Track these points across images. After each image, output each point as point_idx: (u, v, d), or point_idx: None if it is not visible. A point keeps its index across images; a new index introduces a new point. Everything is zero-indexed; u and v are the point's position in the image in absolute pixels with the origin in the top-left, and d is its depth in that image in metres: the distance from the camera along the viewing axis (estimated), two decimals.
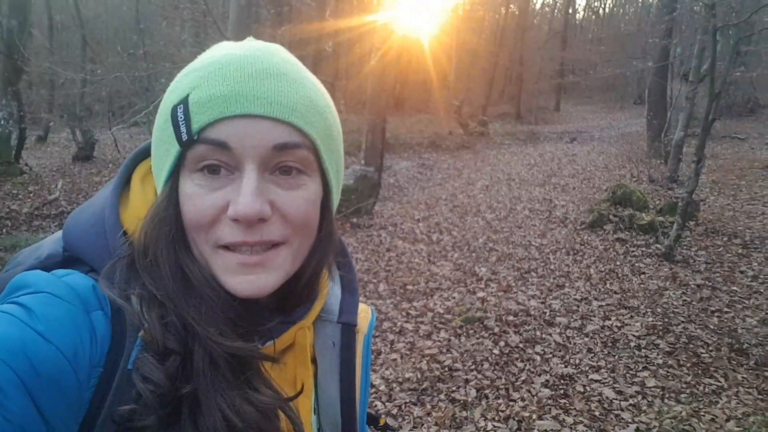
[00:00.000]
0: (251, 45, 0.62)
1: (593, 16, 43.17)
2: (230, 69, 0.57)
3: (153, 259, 0.59)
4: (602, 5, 43.19)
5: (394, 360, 4.23)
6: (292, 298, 0.67)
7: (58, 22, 16.23)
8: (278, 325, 0.65)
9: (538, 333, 4.60)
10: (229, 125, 0.56)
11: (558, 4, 38.95)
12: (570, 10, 35.95)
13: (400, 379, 3.91)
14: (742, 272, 5.91)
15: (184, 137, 0.56)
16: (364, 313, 0.83)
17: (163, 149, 0.60)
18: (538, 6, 40.33)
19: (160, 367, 0.55)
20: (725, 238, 7.02)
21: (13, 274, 0.60)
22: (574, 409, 3.51)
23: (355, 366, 0.76)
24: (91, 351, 0.53)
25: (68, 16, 16.79)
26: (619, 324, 4.73)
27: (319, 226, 0.65)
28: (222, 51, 0.61)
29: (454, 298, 5.44)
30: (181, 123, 0.57)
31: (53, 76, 12.07)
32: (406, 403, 3.65)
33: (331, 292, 0.76)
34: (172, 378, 0.55)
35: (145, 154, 0.68)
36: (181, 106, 0.57)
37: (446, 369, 4.06)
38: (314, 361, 0.74)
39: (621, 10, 41.44)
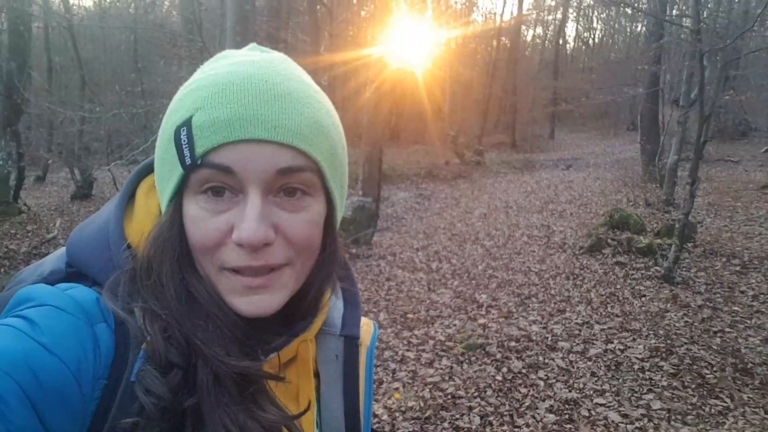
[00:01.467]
0: (255, 59, 0.61)
1: (583, 46, 43.88)
2: (234, 90, 0.56)
3: (157, 279, 0.58)
4: (592, 35, 43.95)
5: (397, 389, 4.18)
6: (296, 313, 0.67)
7: (57, 63, 16.46)
8: (279, 338, 0.65)
9: (540, 358, 4.57)
10: (233, 149, 0.55)
11: (548, 36, 39.68)
12: (560, 41, 36.58)
13: (403, 408, 3.87)
14: (742, 292, 5.90)
15: (188, 161, 0.56)
16: (366, 327, 0.82)
17: (167, 169, 0.59)
18: (529, 38, 40.97)
19: (162, 380, 0.55)
20: (724, 259, 7.03)
21: (15, 292, 0.60)
22: None
23: (359, 379, 0.75)
24: (95, 363, 0.53)
25: (67, 57, 17.04)
26: (621, 347, 4.70)
27: (323, 243, 0.64)
28: (225, 67, 0.60)
29: (455, 325, 5.42)
30: (184, 146, 0.56)
31: (52, 116, 12.21)
32: None
33: (333, 305, 0.75)
34: (174, 391, 0.55)
35: (149, 168, 0.68)
36: (185, 128, 0.56)
37: (449, 397, 4.02)
38: (316, 374, 0.73)
39: (610, 40, 42.13)
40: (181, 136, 0.56)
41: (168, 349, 0.56)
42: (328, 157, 0.61)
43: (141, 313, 0.57)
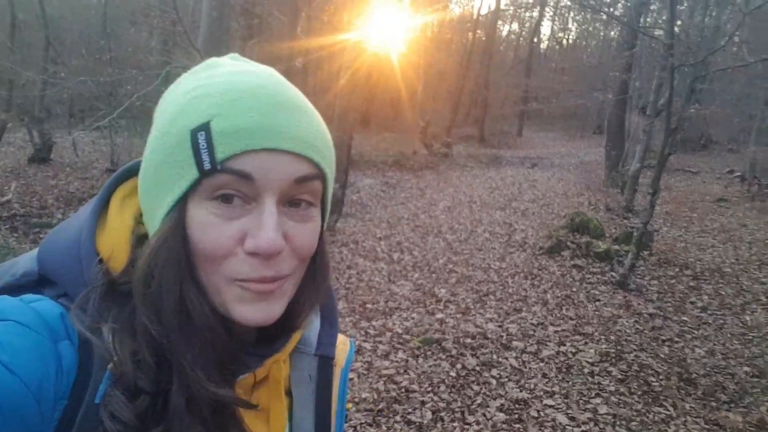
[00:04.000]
0: (257, 70, 0.61)
1: (557, 47, 44.32)
2: (250, 99, 0.56)
3: (156, 291, 0.56)
4: (566, 36, 44.40)
5: (351, 379, 4.20)
6: (279, 330, 0.66)
7: (21, 20, 15.78)
8: (255, 357, 0.64)
9: (494, 356, 4.65)
10: (254, 157, 0.55)
11: (523, 33, 39.91)
12: (535, 40, 36.86)
13: (357, 399, 3.89)
14: (692, 303, 6.11)
15: (207, 166, 0.55)
16: (343, 345, 0.81)
17: (173, 172, 0.57)
18: (504, 33, 41.10)
19: (129, 406, 0.53)
20: (677, 269, 7.25)
21: None
22: None
23: (331, 401, 0.75)
24: (57, 382, 0.51)
25: (32, 14, 16.30)
26: (573, 350, 4.82)
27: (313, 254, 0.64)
28: (228, 75, 0.59)
29: (413, 318, 5.46)
30: (203, 150, 0.55)
31: (13, 75, 11.71)
32: (361, 423, 3.62)
33: (309, 322, 0.74)
34: (141, 417, 0.53)
35: (128, 174, 0.66)
36: (203, 132, 0.55)
37: (403, 390, 4.06)
38: (289, 393, 0.72)
39: (584, 42, 42.66)
40: (199, 140, 0.55)
41: (137, 375, 0.54)
42: (332, 169, 0.64)
43: (110, 334, 0.55)
